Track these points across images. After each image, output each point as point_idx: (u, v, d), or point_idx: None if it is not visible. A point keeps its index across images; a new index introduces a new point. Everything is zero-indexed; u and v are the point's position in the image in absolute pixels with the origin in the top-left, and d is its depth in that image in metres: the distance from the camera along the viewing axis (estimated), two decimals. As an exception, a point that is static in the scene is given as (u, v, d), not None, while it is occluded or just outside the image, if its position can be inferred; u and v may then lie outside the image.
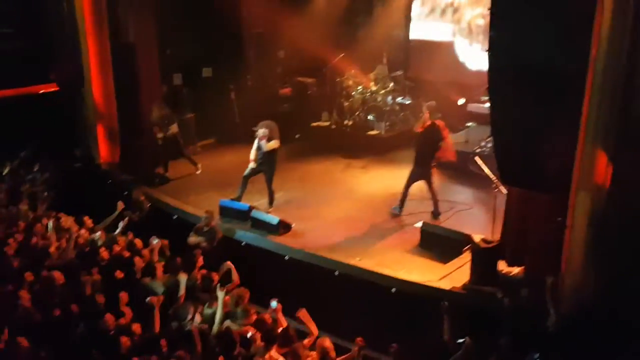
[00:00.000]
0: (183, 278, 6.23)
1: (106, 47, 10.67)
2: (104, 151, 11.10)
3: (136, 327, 5.36)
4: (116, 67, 10.72)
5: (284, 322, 5.97)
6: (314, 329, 5.79)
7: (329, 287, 7.52)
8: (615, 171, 5.14)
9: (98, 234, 7.36)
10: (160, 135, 10.45)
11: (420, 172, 8.69)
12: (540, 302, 5.92)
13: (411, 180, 8.79)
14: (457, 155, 10.06)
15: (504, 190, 7.38)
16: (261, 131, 8.92)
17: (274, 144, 8.93)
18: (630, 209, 5.00)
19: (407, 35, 13.52)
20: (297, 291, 7.52)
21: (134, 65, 10.70)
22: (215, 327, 5.61)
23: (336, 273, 7.53)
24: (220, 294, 5.81)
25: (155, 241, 7.19)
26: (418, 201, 9.49)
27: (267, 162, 9.04)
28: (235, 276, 6.71)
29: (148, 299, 5.67)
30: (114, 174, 10.63)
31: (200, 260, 6.97)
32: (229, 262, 6.78)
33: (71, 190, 9.24)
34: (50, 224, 7.27)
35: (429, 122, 8.61)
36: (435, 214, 8.84)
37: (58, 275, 6.00)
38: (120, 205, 8.14)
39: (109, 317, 5.36)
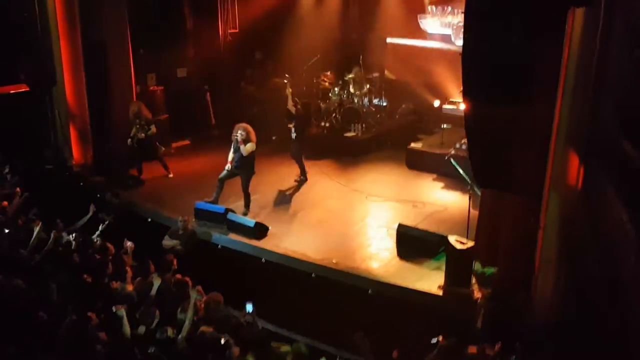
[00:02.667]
0: (157, 281, 6.13)
1: (78, 47, 10.48)
2: (76, 153, 10.90)
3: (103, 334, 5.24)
4: (88, 67, 10.53)
5: (258, 325, 5.93)
6: (258, 324, 5.86)
7: (306, 290, 7.50)
8: (586, 172, 5.23)
9: (72, 235, 7.21)
10: (141, 135, 10.17)
11: (297, 146, 10.30)
12: (514, 302, 6.01)
13: (298, 154, 10.40)
14: (431, 157, 10.44)
15: (478, 191, 7.46)
16: (239, 134, 8.87)
17: (250, 147, 8.89)
18: (601, 210, 5.09)
19: (384, 37, 13.58)
20: (273, 294, 7.50)
21: (106, 65, 10.53)
22: (185, 329, 5.49)
23: (313, 275, 7.52)
24: (193, 293, 5.73)
25: (128, 243, 7.12)
26: (395, 204, 9.56)
27: (245, 166, 8.98)
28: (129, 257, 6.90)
29: (114, 307, 5.54)
30: (86, 176, 10.44)
31: (175, 264, 6.89)
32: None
33: (42, 193, 9.03)
34: (37, 228, 7.10)
35: (304, 103, 10.05)
36: (303, 178, 10.42)
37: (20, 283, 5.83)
38: (93, 207, 8.00)
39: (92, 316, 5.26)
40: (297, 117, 10.16)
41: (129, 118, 10.24)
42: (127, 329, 5.36)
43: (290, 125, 10.23)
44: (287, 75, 10.25)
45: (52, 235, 6.90)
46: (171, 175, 10.61)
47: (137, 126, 10.17)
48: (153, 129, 10.27)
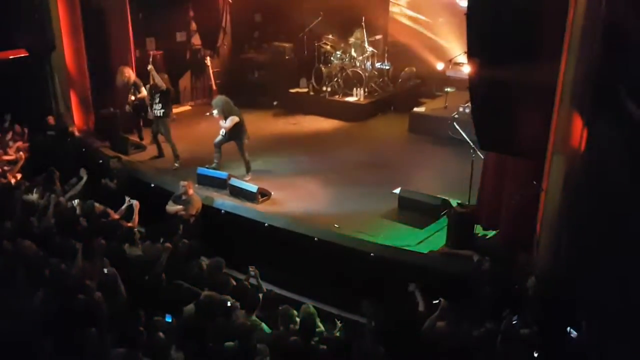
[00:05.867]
0: (167, 249, 6.17)
1: (77, 11, 10.33)
2: (78, 119, 10.86)
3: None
4: (87, 32, 10.41)
5: (262, 287, 6.02)
6: (262, 287, 6.00)
7: (309, 254, 7.57)
8: (590, 135, 5.20)
9: (76, 201, 7.29)
10: (131, 99, 10.11)
11: (165, 124, 9.63)
12: (516, 264, 6.06)
13: (167, 133, 9.69)
14: (435, 121, 10.40)
15: (481, 155, 7.44)
16: (214, 113, 8.83)
17: (230, 121, 8.82)
18: (604, 172, 5.09)
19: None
20: (276, 258, 7.57)
21: (105, 30, 10.40)
22: None
23: (315, 239, 7.56)
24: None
25: (134, 202, 7.27)
26: (398, 168, 9.56)
27: (235, 133, 8.95)
28: (135, 218, 7.11)
29: (106, 269, 5.63)
30: (88, 142, 10.43)
31: (181, 229, 6.97)
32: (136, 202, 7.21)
33: (44, 158, 9.06)
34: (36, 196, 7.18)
35: (165, 78, 9.64)
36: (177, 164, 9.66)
37: (28, 244, 5.91)
38: (84, 172, 8.04)
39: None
40: (166, 92, 9.50)
41: (119, 84, 10.13)
42: (122, 289, 5.45)
43: (155, 103, 9.49)
44: (152, 52, 9.62)
45: (51, 201, 6.94)
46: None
47: (131, 91, 10.13)
48: (143, 92, 10.11)
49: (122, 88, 10.19)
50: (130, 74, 10.13)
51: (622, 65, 4.38)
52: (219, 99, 8.99)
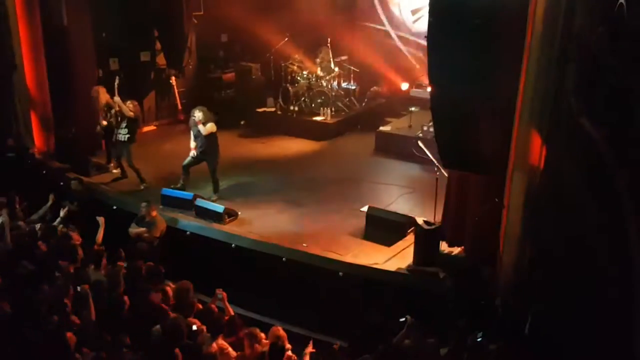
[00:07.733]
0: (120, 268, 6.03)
1: (38, 32, 10.14)
2: (38, 140, 10.59)
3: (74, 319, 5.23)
4: (49, 52, 10.22)
5: (230, 310, 5.94)
6: (230, 310, 5.93)
7: (277, 274, 7.51)
8: (548, 151, 5.35)
9: (37, 225, 7.10)
10: (104, 123, 9.82)
11: (128, 149, 9.54)
12: (480, 279, 6.14)
13: (130, 158, 9.60)
14: (400, 140, 10.50)
15: (445, 173, 7.55)
16: (196, 115, 8.76)
17: (211, 127, 8.75)
18: (562, 187, 5.23)
19: (353, 19, 13.55)
20: (244, 279, 7.50)
21: (67, 49, 10.23)
22: None
23: (284, 259, 7.52)
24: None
25: (100, 218, 7.25)
26: (364, 186, 9.62)
27: (209, 149, 8.86)
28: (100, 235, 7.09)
29: (79, 287, 5.52)
30: (49, 164, 10.19)
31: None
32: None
33: (4, 181, 8.80)
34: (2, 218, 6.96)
35: (134, 103, 9.50)
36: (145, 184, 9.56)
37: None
38: (52, 197, 7.86)
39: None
40: (133, 120, 9.44)
41: (101, 107, 9.90)
42: (92, 309, 5.34)
43: (121, 128, 9.38)
44: (118, 78, 9.34)
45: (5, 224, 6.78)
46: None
47: (107, 113, 9.89)
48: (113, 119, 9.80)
49: (96, 108, 9.94)
50: (99, 94, 9.81)
51: (577, 83, 4.53)
52: (202, 107, 8.90)
